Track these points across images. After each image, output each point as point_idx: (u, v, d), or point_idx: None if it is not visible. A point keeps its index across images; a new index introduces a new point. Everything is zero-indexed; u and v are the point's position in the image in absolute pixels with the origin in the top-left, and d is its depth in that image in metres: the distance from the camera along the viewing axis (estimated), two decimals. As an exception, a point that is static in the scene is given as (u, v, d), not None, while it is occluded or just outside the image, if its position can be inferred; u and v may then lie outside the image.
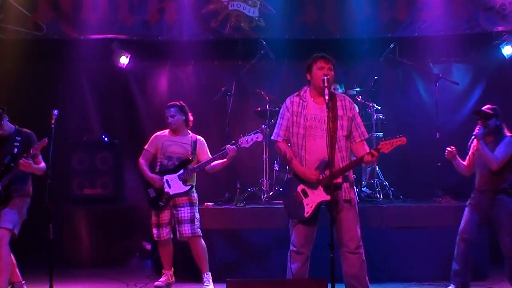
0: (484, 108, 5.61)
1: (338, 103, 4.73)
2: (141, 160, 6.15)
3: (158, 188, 5.96)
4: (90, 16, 7.75)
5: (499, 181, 5.50)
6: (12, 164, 5.44)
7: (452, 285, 5.64)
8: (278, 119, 4.87)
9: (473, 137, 5.58)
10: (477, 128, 5.53)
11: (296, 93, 4.84)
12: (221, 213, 6.63)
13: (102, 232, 7.42)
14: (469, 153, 5.72)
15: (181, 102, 6.20)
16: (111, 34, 7.83)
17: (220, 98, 7.40)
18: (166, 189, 5.95)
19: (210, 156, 6.03)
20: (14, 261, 5.66)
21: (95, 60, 8.10)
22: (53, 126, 5.36)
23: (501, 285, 5.98)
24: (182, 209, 5.93)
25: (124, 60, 8.06)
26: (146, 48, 8.12)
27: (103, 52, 7.95)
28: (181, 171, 5.97)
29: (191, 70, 8.41)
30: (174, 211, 5.98)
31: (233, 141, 5.93)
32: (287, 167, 5.47)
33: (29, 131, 5.70)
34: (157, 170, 6.10)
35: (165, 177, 5.97)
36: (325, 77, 4.52)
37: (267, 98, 7.41)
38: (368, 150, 4.67)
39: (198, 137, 6.18)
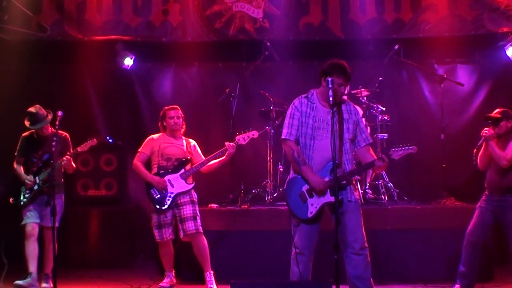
0: (493, 113, 5.59)
1: (343, 107, 4.81)
2: (137, 163, 6.17)
3: (161, 189, 5.98)
4: (94, 17, 7.77)
5: (505, 181, 5.47)
6: (51, 161, 5.76)
7: (457, 284, 5.63)
8: (288, 119, 4.85)
9: (482, 139, 5.54)
10: (485, 130, 5.50)
11: (304, 95, 4.86)
12: (225, 215, 6.63)
13: (106, 233, 7.41)
14: (480, 153, 5.65)
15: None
16: (115, 35, 7.83)
17: (224, 99, 7.39)
18: (170, 189, 5.99)
19: (204, 158, 6.14)
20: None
21: (99, 61, 8.10)
22: (57, 127, 5.40)
23: (506, 286, 5.96)
24: (184, 207, 5.99)
25: (128, 61, 8.05)
26: (150, 50, 8.11)
27: (107, 53, 7.95)
28: (182, 170, 6.06)
29: (195, 71, 8.41)
30: (176, 210, 6.02)
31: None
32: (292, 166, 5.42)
33: (64, 132, 6.04)
34: (155, 171, 6.13)
35: (166, 178, 6.02)
36: (330, 79, 4.54)
37: (271, 99, 7.41)
38: (374, 155, 4.74)
39: (190, 139, 6.29)
